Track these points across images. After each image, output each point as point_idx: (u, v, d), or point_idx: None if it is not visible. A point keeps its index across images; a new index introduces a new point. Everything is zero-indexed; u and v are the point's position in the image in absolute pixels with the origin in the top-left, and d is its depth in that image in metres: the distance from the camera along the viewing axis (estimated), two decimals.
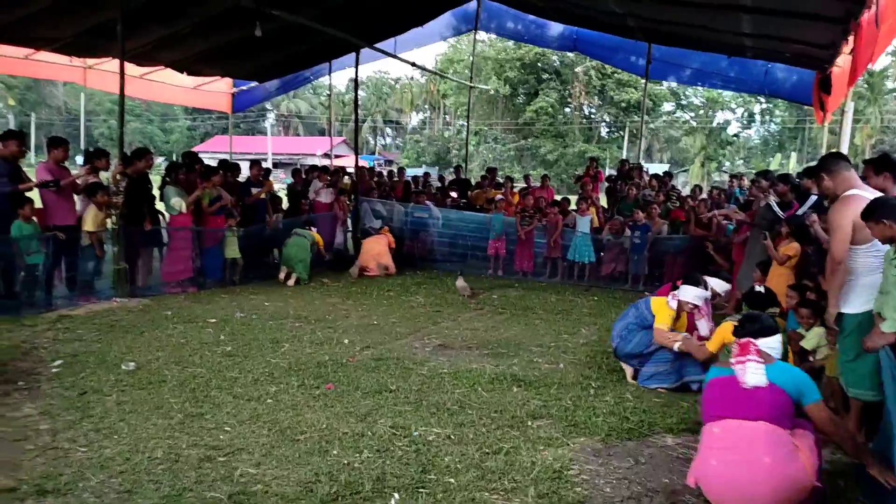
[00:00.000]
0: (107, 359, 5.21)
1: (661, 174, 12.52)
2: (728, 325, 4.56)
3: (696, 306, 5.02)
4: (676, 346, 4.87)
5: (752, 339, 3.22)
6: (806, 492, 2.94)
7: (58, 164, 7.51)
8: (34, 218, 6.92)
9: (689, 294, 4.95)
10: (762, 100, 46.14)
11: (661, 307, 5.05)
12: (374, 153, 55.32)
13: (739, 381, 3.10)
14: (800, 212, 6.86)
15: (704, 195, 11.53)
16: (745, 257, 7.93)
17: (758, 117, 53.09)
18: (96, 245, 7.44)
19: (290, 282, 9.11)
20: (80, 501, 3.02)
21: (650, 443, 3.99)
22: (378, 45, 12.00)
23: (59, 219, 7.28)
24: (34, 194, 7.20)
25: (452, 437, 3.90)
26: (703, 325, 5.15)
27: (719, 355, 4.58)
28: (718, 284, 5.68)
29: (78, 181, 7.65)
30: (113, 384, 4.62)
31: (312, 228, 9.69)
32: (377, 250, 10.17)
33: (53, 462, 3.41)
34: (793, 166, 37.92)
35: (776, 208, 7.35)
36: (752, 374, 3.08)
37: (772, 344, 3.26)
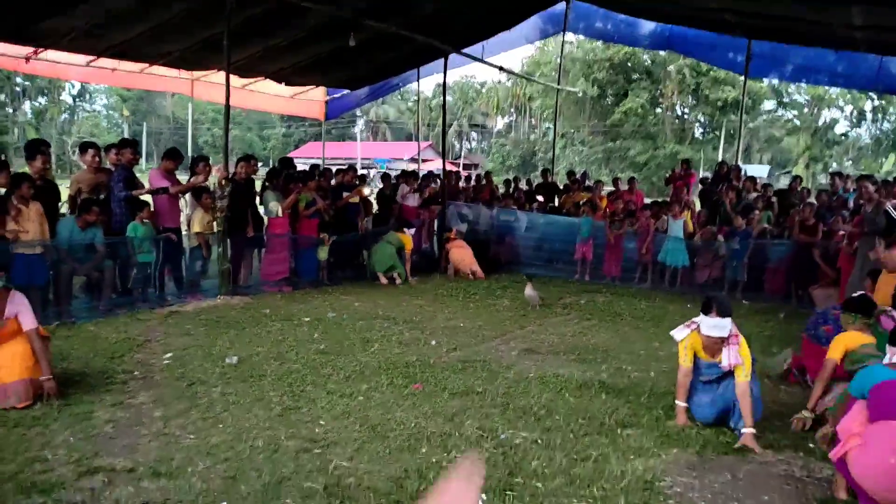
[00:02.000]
0: (212, 352, 5.55)
1: (762, 185, 11.87)
2: (850, 334, 4.27)
3: (722, 338, 4.05)
4: (679, 404, 4.24)
5: None
6: None
7: (168, 172, 8.05)
8: (149, 220, 7.46)
9: (706, 326, 4.07)
10: (874, 96, 42.81)
11: (679, 344, 4.26)
12: (458, 156, 55.66)
13: None
14: None
15: (812, 199, 10.86)
16: (855, 265, 7.45)
17: (869, 115, 49.33)
18: (203, 246, 7.94)
19: (383, 280, 9.45)
20: (189, 484, 3.23)
21: (750, 458, 3.81)
22: (466, 51, 12.10)
23: (170, 221, 7.82)
24: (149, 198, 7.78)
25: (539, 441, 3.89)
26: (726, 354, 4.06)
27: (844, 364, 4.14)
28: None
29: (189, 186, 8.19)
30: (218, 376, 4.92)
31: (406, 231, 9.94)
32: (467, 261, 10.30)
33: (166, 447, 3.67)
34: None
35: (893, 213, 6.87)
36: None
37: None
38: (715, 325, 4.04)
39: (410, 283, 9.55)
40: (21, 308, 4.29)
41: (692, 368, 4.25)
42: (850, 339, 4.22)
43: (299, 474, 3.37)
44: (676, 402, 4.27)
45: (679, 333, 4.26)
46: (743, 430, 3.97)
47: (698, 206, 11.82)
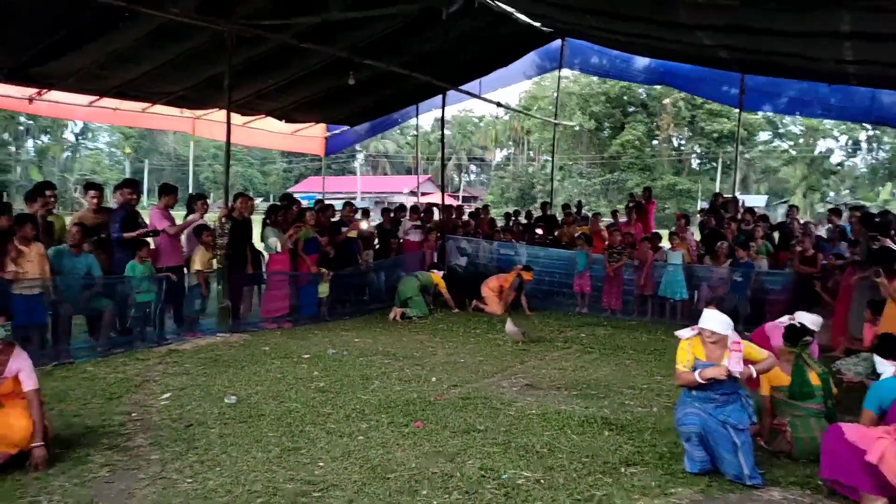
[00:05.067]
0: (211, 392, 5.51)
1: (759, 217, 11.97)
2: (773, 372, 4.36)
3: (716, 334, 3.97)
4: (698, 377, 3.96)
5: None
6: None
7: (167, 209, 8.09)
8: (149, 259, 7.46)
9: (706, 319, 4.00)
10: (868, 126, 43.34)
11: (679, 346, 4.18)
12: (457, 189, 55.95)
13: None
14: None
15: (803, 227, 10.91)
16: (854, 298, 7.46)
17: (864, 145, 49.82)
18: (203, 284, 7.93)
19: (391, 315, 9.45)
20: None
21: (755, 496, 3.75)
22: (463, 87, 12.28)
23: (171, 260, 7.82)
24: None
25: (542, 481, 3.83)
26: (727, 361, 3.93)
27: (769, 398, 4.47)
28: (810, 319, 4.93)
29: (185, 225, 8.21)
30: (216, 417, 4.87)
31: (435, 271, 10.13)
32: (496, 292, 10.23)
33: (163, 492, 3.61)
34: None
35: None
36: None
37: None
38: (714, 319, 3.96)
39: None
40: (24, 365, 3.95)
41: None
42: (772, 378, 4.41)
43: None
44: (695, 376, 3.96)
45: (684, 333, 4.18)
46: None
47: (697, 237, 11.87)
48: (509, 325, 7.89)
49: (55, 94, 9.91)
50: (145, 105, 11.12)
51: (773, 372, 4.33)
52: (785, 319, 5.04)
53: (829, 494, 3.74)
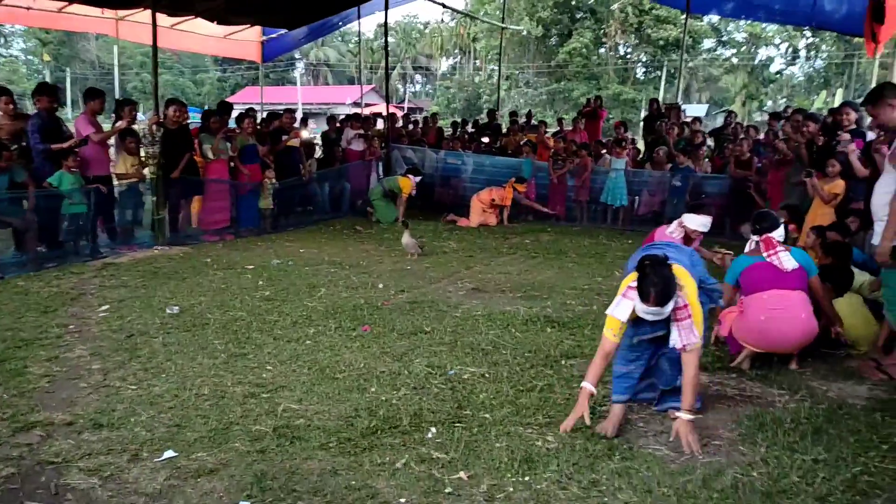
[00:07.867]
0: (151, 303, 5.39)
1: (691, 119, 12.14)
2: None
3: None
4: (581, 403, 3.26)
5: (769, 235, 4.15)
6: (814, 337, 4.10)
7: (94, 116, 7.62)
8: (77, 169, 7.07)
9: (643, 311, 3.06)
10: (808, 34, 43.80)
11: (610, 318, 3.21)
12: (402, 100, 54.63)
13: (778, 267, 4.04)
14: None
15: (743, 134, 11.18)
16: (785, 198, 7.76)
17: (802, 53, 50.55)
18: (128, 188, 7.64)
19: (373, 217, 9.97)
20: (132, 434, 3.17)
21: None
22: None
23: (99, 169, 7.45)
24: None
25: (487, 375, 3.97)
26: (676, 334, 3.12)
27: None
28: (698, 221, 4.65)
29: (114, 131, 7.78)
30: (159, 327, 4.79)
31: (411, 177, 10.10)
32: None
33: (106, 399, 3.58)
34: (838, 103, 36.20)
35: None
36: (788, 261, 4.05)
37: (780, 233, 4.23)
38: (653, 312, 3.04)
39: (403, 225, 8.63)
40: None
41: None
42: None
43: (247, 418, 3.35)
44: (585, 384, 3.26)
45: (621, 311, 3.15)
46: (677, 414, 3.23)
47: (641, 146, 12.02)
48: (406, 238, 7.59)
49: None
50: (62, 4, 10.19)
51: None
52: (674, 225, 4.82)
53: (753, 378, 4.01)
